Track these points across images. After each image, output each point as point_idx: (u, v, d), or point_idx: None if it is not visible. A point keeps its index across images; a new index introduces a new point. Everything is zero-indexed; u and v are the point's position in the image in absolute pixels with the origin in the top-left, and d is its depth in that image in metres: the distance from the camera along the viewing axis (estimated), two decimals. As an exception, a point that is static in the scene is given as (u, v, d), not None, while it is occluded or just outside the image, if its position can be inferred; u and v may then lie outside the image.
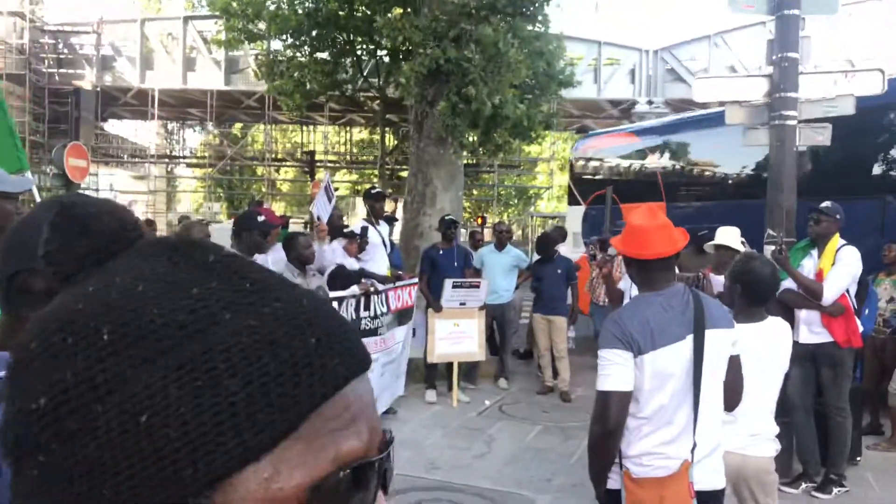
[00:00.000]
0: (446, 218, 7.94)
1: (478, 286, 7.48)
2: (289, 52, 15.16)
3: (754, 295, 3.04)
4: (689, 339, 2.49)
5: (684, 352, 2.49)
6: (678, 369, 2.49)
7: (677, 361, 2.49)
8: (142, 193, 26.15)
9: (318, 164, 24.01)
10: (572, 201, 13.62)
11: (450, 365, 7.81)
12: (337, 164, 25.42)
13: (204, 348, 0.47)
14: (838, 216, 5.38)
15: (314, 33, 14.04)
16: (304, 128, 28.34)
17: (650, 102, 26.53)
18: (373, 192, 7.07)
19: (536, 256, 8.83)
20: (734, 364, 2.65)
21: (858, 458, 5.82)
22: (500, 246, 8.55)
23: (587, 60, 25.55)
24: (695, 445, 2.49)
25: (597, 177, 13.31)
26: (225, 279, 0.51)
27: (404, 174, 26.74)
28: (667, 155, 11.35)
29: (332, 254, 6.10)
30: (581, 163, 14.09)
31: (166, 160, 28.21)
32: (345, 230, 6.50)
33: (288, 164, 28.76)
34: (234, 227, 5.28)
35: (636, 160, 12.10)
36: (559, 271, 8.38)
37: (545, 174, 36.13)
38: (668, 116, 18.71)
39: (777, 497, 3.29)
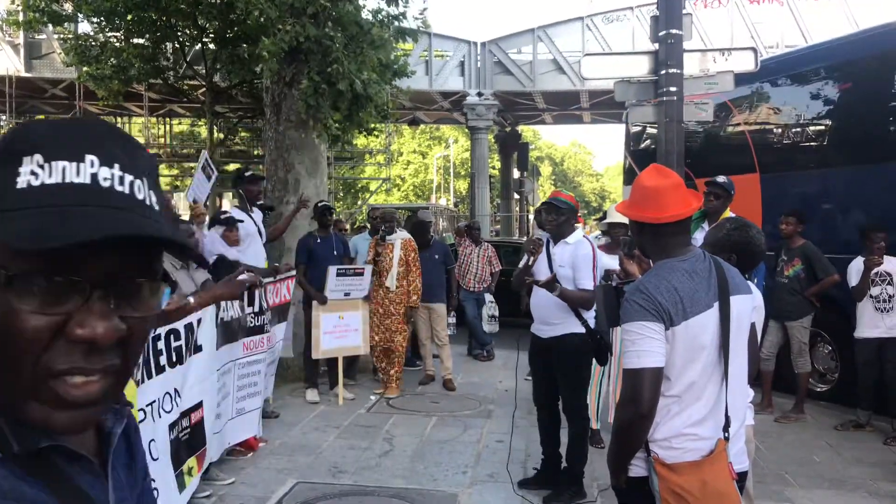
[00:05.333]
0: (320, 204, 7.42)
1: (361, 273, 7.05)
2: (100, 36, 13.79)
3: (750, 264, 2.92)
4: (716, 306, 2.30)
5: (712, 321, 2.30)
6: (709, 341, 2.29)
7: (708, 332, 2.29)
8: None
9: (139, 157, 22.06)
10: (630, 181, 10.28)
11: (330, 360, 7.35)
12: (159, 158, 23.57)
13: None
14: (731, 192, 5.53)
15: (129, 16, 12.84)
16: (119, 119, 26.08)
17: (480, 94, 27.05)
18: (247, 174, 6.42)
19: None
20: (752, 331, 2.50)
21: None
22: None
23: (418, 52, 25.54)
24: (728, 422, 2.30)
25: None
26: None
27: (231, 168, 25.50)
28: (762, 109, 8.54)
29: (212, 244, 5.44)
30: (641, 129, 10.67)
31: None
32: (222, 216, 5.83)
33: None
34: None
35: (718, 119, 9.02)
36: (436, 257, 8.16)
37: (373, 167, 35.88)
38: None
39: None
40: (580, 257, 4.63)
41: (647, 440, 2.31)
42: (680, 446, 2.27)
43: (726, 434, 2.29)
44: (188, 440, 4.21)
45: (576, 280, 4.62)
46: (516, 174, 33.59)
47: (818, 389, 7.47)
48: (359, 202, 38.27)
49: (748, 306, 2.43)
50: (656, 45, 5.95)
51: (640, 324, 2.25)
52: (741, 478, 2.40)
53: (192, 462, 4.26)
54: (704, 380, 2.30)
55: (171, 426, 3.97)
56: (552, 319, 4.68)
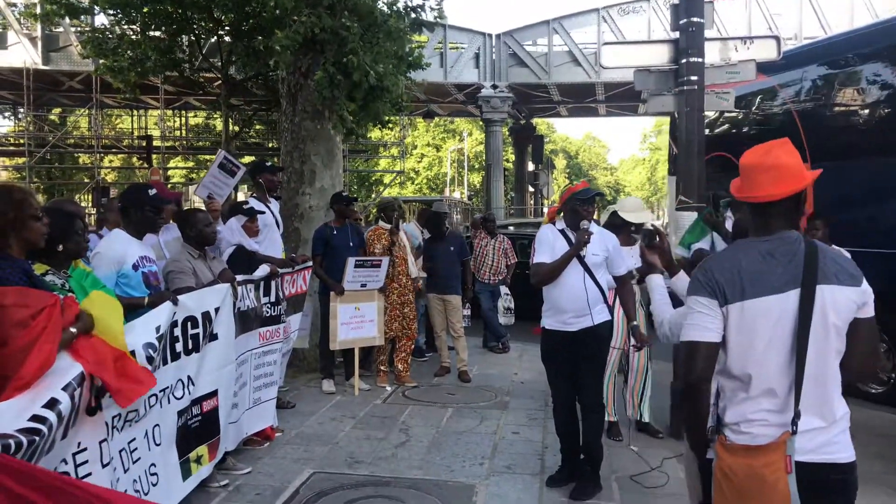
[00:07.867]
0: (344, 194, 7.42)
1: (378, 265, 7.03)
2: (117, 29, 13.81)
3: None
4: (794, 293, 2.20)
5: (784, 307, 2.20)
6: (773, 326, 2.21)
7: (773, 317, 2.20)
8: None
9: (156, 150, 22.25)
10: (675, 170, 9.76)
11: (346, 351, 7.34)
12: (175, 151, 23.66)
13: None
14: None
15: (145, 9, 12.86)
16: (135, 112, 26.20)
17: (494, 87, 26.95)
18: (268, 164, 6.41)
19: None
20: (864, 328, 2.29)
21: None
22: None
23: (432, 44, 25.43)
24: (798, 415, 2.18)
25: (712, 131, 9.58)
26: None
27: (245, 160, 25.55)
28: (813, 92, 8.01)
29: (231, 234, 5.43)
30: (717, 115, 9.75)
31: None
32: (244, 206, 5.81)
33: (117, 151, 26.45)
34: (120, 203, 4.52)
35: (767, 103, 8.60)
36: (451, 249, 8.12)
37: (387, 160, 35.87)
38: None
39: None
40: (616, 246, 4.75)
41: (721, 423, 2.30)
42: (749, 430, 2.24)
43: (794, 427, 2.18)
44: (198, 428, 4.18)
45: (614, 266, 4.75)
46: (531, 167, 33.48)
47: (872, 391, 7.07)
48: (373, 195, 38.29)
49: (846, 298, 2.23)
50: (676, 34, 5.86)
51: (694, 298, 2.30)
52: (848, 469, 2.26)
53: (201, 450, 4.24)
54: (773, 367, 2.22)
55: (181, 413, 3.96)
56: (588, 310, 4.60)
